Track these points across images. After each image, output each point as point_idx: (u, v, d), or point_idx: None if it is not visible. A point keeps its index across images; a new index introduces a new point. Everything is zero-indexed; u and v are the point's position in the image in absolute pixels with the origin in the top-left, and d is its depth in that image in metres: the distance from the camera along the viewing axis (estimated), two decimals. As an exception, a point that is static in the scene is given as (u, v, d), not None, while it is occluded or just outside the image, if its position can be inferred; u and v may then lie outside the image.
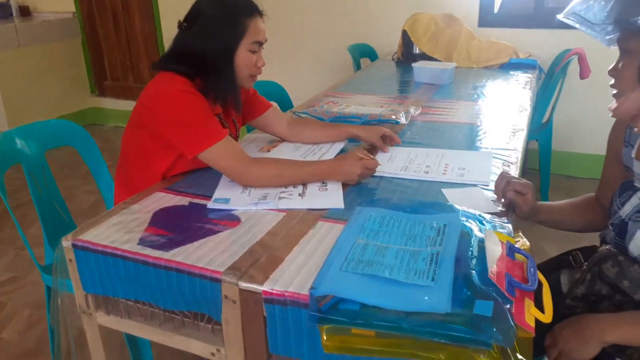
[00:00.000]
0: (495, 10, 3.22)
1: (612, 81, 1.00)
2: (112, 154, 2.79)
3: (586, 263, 1.07)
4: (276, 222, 1.12)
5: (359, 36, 3.45)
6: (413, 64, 2.51)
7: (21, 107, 4.12)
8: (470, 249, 0.92)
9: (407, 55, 2.98)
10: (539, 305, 0.82)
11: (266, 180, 1.27)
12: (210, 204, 1.19)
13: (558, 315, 0.92)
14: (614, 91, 1.00)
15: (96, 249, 1.04)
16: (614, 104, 0.97)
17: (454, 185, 1.29)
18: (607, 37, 0.98)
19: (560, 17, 1.04)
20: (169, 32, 4.01)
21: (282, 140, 1.62)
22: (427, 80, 2.46)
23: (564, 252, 1.21)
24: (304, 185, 1.28)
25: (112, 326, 1.13)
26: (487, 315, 0.75)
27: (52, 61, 4.37)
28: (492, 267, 0.82)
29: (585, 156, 3.22)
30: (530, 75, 2.56)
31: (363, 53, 3.31)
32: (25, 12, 4.64)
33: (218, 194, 1.25)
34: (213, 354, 1.02)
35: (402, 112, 1.83)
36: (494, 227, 1.02)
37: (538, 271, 0.86)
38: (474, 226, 1.00)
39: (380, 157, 1.46)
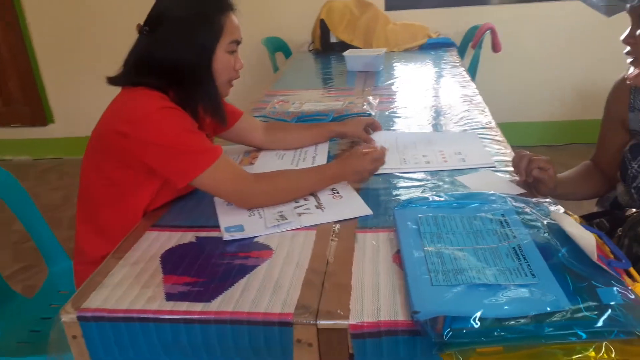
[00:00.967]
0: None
1: (627, 49, 1.02)
2: None
3: (620, 228, 1.09)
4: (312, 243, 0.99)
5: (269, 30, 3.31)
6: (344, 54, 2.45)
7: None
8: (545, 234, 0.88)
9: (325, 45, 2.91)
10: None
11: (274, 197, 1.13)
12: (226, 236, 1.02)
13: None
14: (630, 59, 1.02)
15: (115, 316, 0.83)
16: (633, 71, 0.98)
17: (461, 172, 1.25)
18: (629, 5, 0.99)
19: None
20: (42, 42, 3.57)
21: (259, 149, 1.46)
22: (360, 68, 2.42)
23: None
24: (314, 195, 1.16)
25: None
26: (619, 302, 0.71)
27: None
28: (593, 251, 0.79)
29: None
30: (453, 53, 2.64)
31: (276, 47, 3.18)
32: None
33: (225, 221, 1.08)
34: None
35: (365, 104, 1.76)
36: (543, 209, 0.99)
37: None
38: (527, 210, 0.96)
39: None
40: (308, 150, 1.43)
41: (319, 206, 1.12)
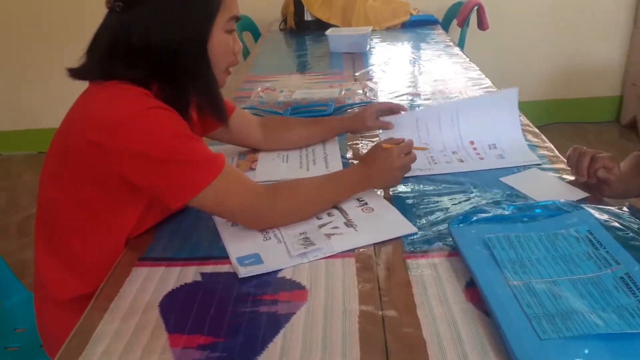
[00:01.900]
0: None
1: None
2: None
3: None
4: (354, 277, 0.78)
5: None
6: (327, 33, 2.21)
7: None
8: (652, 257, 0.71)
9: (299, 24, 2.67)
10: None
11: (295, 214, 0.91)
12: (242, 272, 0.79)
13: None
14: None
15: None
16: None
17: (505, 172, 1.06)
18: None
19: None
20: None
21: (256, 150, 1.22)
22: (345, 49, 2.19)
23: None
24: (339, 208, 0.95)
25: None
26: None
27: None
28: None
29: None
30: (440, 31, 2.45)
31: (243, 26, 2.90)
32: None
33: (236, 250, 0.85)
34: None
35: (366, 90, 1.55)
36: (619, 216, 0.82)
37: None
38: (617, 224, 0.79)
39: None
40: (315, 149, 1.21)
41: (349, 223, 0.91)
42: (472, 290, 0.73)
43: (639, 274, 0.68)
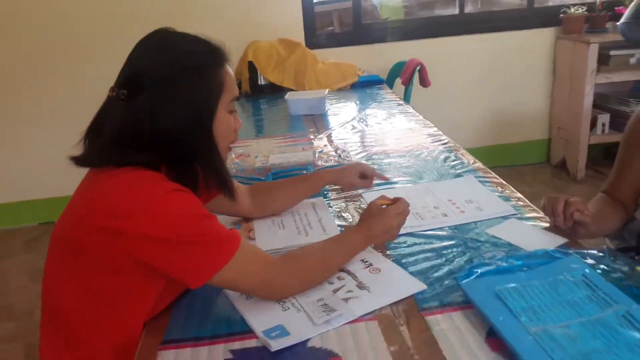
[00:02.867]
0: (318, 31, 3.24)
1: None
2: None
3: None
4: (382, 340, 0.82)
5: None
6: (286, 97, 2.30)
7: None
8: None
9: (254, 88, 2.75)
10: None
11: (308, 281, 0.94)
12: (274, 345, 0.81)
13: None
14: None
15: None
16: None
17: (486, 224, 1.16)
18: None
19: None
20: None
21: (246, 218, 1.25)
22: (305, 111, 2.29)
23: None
24: (346, 271, 1.00)
25: None
26: None
27: None
28: None
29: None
30: (388, 90, 2.62)
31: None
32: None
33: (259, 324, 0.87)
34: None
35: (339, 152, 1.63)
36: (602, 259, 0.93)
37: None
38: (602, 266, 0.89)
39: None
40: (308, 213, 1.26)
41: (361, 286, 0.95)
42: (493, 339, 0.79)
43: (633, 312, 0.77)
